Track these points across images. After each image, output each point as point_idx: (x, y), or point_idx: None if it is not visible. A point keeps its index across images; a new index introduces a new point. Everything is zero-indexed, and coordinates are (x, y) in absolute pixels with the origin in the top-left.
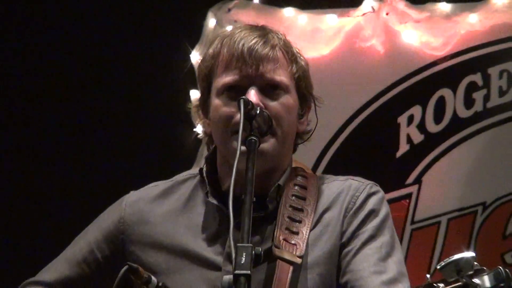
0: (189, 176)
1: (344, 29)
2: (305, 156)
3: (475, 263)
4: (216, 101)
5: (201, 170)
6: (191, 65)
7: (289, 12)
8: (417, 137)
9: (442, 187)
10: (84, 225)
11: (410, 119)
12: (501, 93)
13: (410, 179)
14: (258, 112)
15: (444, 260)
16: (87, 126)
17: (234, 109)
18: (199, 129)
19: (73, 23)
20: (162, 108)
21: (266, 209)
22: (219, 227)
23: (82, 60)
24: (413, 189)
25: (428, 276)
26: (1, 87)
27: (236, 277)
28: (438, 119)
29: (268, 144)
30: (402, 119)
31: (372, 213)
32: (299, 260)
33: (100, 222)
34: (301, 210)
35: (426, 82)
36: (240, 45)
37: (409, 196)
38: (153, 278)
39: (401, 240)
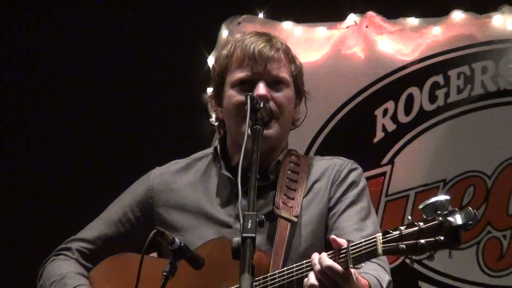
0: (204, 155)
1: (332, 39)
2: (301, 139)
3: (449, 205)
4: (230, 92)
5: (215, 148)
6: (208, 67)
7: (287, 25)
8: (391, 126)
9: (410, 166)
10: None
11: (385, 111)
12: (459, 91)
13: (385, 160)
14: (262, 106)
15: (424, 202)
16: (123, 115)
17: (244, 98)
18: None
19: (114, 30)
20: (184, 102)
21: (268, 180)
22: (230, 194)
23: (124, 60)
24: (387, 168)
25: (409, 217)
26: (35, 73)
27: (244, 239)
28: (407, 111)
29: (272, 130)
30: (379, 112)
31: (353, 184)
32: (295, 219)
33: (132, 190)
34: (295, 181)
35: (398, 82)
36: (252, 47)
37: (384, 174)
38: (176, 239)
39: (377, 210)
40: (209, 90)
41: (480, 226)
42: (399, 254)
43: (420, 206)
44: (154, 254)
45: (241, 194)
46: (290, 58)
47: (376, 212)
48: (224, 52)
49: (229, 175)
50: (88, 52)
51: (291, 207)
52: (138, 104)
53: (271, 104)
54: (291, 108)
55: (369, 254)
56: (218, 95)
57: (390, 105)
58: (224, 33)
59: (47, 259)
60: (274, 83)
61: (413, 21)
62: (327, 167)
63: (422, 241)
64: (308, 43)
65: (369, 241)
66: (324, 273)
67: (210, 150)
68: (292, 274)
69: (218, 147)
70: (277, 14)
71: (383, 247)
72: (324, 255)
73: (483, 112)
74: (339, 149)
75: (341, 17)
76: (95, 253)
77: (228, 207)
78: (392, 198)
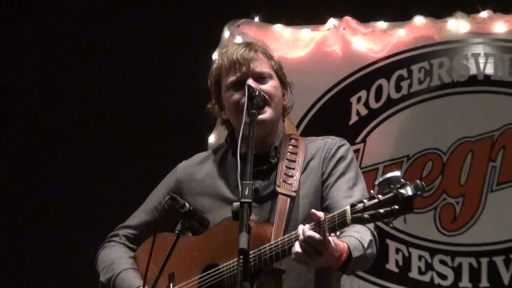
0: (220, 146)
1: (315, 39)
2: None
3: (402, 179)
4: (227, 94)
5: (226, 139)
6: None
7: (278, 27)
8: (363, 111)
9: (380, 144)
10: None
11: (359, 99)
12: (420, 82)
13: (359, 139)
14: (257, 93)
15: (379, 178)
16: (135, 109)
17: (240, 95)
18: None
19: (128, 31)
20: (192, 92)
21: (270, 163)
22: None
23: (140, 55)
24: (360, 146)
25: (372, 191)
26: (42, 71)
27: (242, 204)
28: (377, 99)
29: (266, 114)
30: (353, 99)
31: (342, 158)
32: (294, 194)
33: (163, 183)
34: (294, 161)
35: (369, 75)
36: (235, 54)
37: (357, 150)
38: (186, 204)
39: None
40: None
41: (437, 194)
42: (364, 222)
43: (376, 182)
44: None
45: (239, 169)
46: (268, 55)
47: None
48: (214, 66)
49: (238, 159)
50: (106, 53)
51: (290, 184)
52: (150, 98)
53: (261, 93)
54: (279, 95)
55: (341, 224)
56: (219, 101)
57: (363, 93)
58: (226, 33)
59: (101, 246)
60: (260, 78)
61: (382, 24)
62: (320, 146)
63: (381, 210)
64: (295, 42)
65: (340, 214)
66: (306, 242)
67: (224, 143)
68: (284, 244)
69: (229, 139)
70: (270, 18)
71: (351, 218)
72: (306, 227)
73: (440, 100)
74: (321, 129)
75: (323, 21)
76: (138, 237)
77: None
78: (364, 171)
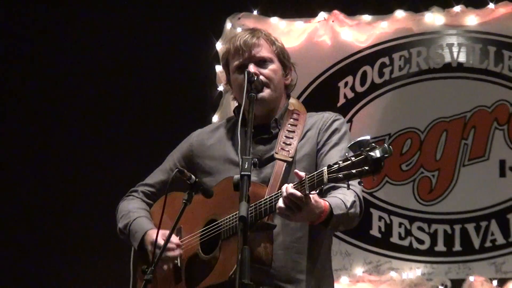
0: (232, 118)
1: (307, 30)
2: None
3: (372, 143)
4: (233, 76)
5: (234, 111)
6: (216, 51)
7: (274, 20)
8: (350, 94)
9: (364, 124)
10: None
11: (346, 84)
12: (400, 69)
13: (346, 119)
14: (255, 78)
15: (352, 141)
16: (148, 91)
17: (242, 77)
18: (221, 88)
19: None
20: (198, 76)
21: (271, 133)
22: (239, 142)
23: (148, 44)
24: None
25: (347, 154)
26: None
27: (242, 176)
28: (362, 84)
29: (265, 93)
30: (341, 84)
31: (336, 130)
32: (290, 159)
33: (179, 147)
34: (293, 131)
35: (355, 62)
36: (239, 41)
37: None
38: (192, 176)
39: None
40: (218, 67)
41: (415, 168)
42: (339, 181)
43: (348, 145)
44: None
45: (241, 145)
46: (270, 41)
47: None
48: (225, 49)
49: (243, 128)
50: (115, 43)
51: (288, 150)
52: (161, 79)
53: (262, 77)
54: (279, 77)
55: (319, 182)
56: (229, 80)
57: (349, 79)
58: (228, 25)
59: (122, 199)
60: (261, 63)
61: (366, 17)
62: (318, 119)
63: (354, 171)
64: (289, 33)
65: (319, 173)
66: (288, 198)
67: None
68: (272, 201)
69: (236, 111)
70: (267, 11)
71: (327, 177)
72: (289, 185)
73: (418, 85)
74: (312, 110)
75: (314, 14)
76: (155, 194)
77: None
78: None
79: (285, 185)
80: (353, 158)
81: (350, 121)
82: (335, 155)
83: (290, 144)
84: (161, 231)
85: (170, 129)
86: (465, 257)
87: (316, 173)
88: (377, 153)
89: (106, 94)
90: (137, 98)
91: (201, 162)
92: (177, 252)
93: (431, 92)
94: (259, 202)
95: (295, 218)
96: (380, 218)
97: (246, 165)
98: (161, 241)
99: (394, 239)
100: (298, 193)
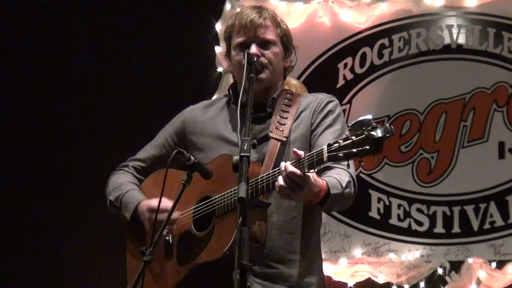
0: (224, 96)
1: (307, 11)
2: None
3: (373, 122)
4: (233, 52)
5: (228, 90)
6: (216, 31)
7: (274, 1)
8: (349, 76)
9: (364, 105)
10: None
11: (345, 65)
12: (399, 50)
13: (345, 101)
14: (255, 59)
15: (352, 120)
16: (149, 68)
17: (242, 57)
18: (220, 69)
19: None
20: (198, 57)
21: (266, 112)
22: (240, 122)
23: (149, 24)
24: (347, 107)
25: (347, 133)
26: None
27: (241, 157)
28: (362, 65)
29: (264, 74)
30: (341, 65)
31: (330, 112)
32: (284, 139)
33: (171, 123)
34: (287, 112)
35: (355, 43)
36: (245, 18)
37: (344, 111)
38: (192, 157)
39: None
40: (218, 48)
41: (414, 149)
42: (339, 160)
43: (349, 125)
44: None
45: (241, 125)
46: (276, 23)
47: None
48: (229, 23)
49: (238, 108)
50: (114, 26)
51: (282, 130)
52: (161, 60)
53: (262, 59)
54: (279, 60)
55: (319, 161)
56: (228, 54)
57: (349, 60)
58: (228, 6)
59: (112, 173)
60: (264, 44)
61: None
62: (312, 100)
63: (354, 150)
64: (289, 14)
65: (318, 152)
66: (288, 177)
67: (227, 93)
68: (269, 178)
69: (231, 89)
70: None
71: (327, 155)
72: (288, 163)
73: (417, 66)
74: (312, 91)
75: None
76: (146, 169)
77: (237, 132)
78: (350, 129)
79: (283, 163)
80: (353, 137)
81: (349, 102)
82: (329, 136)
83: (284, 124)
84: (152, 206)
85: (170, 110)
86: (464, 239)
87: (316, 152)
88: (378, 133)
89: (106, 77)
90: (137, 80)
91: (194, 138)
92: (170, 229)
93: (431, 73)
94: (255, 180)
95: (295, 197)
96: (379, 199)
97: (245, 146)
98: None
99: (393, 220)
100: (298, 172)
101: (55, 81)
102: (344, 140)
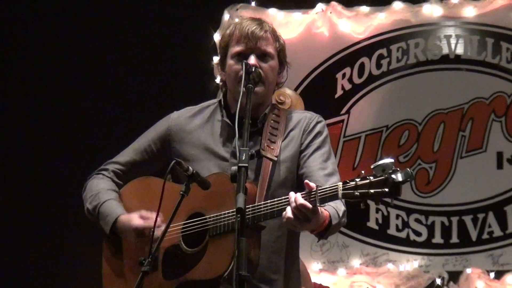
0: (210, 104)
1: (305, 21)
2: None
3: (393, 166)
4: (230, 61)
5: (220, 101)
6: (214, 41)
7: (272, 11)
8: (348, 86)
9: (362, 115)
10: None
11: (344, 75)
12: (398, 60)
13: (343, 111)
14: (253, 70)
15: (375, 163)
16: (148, 74)
17: (240, 67)
18: (218, 80)
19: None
20: (196, 67)
21: (257, 127)
22: (228, 136)
23: (148, 35)
24: (345, 117)
25: (363, 172)
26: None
27: (239, 167)
28: (360, 75)
29: (259, 88)
30: (339, 75)
31: (319, 133)
32: (275, 158)
33: (155, 127)
34: (276, 129)
35: (353, 53)
36: (247, 28)
37: (342, 121)
38: (190, 168)
39: (336, 148)
40: (216, 59)
41: (413, 160)
42: (354, 199)
43: (372, 166)
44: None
45: (239, 135)
46: (275, 37)
47: (336, 150)
48: (228, 31)
49: (228, 121)
50: (112, 34)
51: (273, 149)
52: (159, 69)
53: (259, 70)
54: (275, 75)
55: (332, 197)
56: (222, 63)
57: (347, 70)
58: (226, 16)
59: (89, 176)
60: (262, 56)
61: (364, 8)
62: (300, 119)
63: (372, 190)
64: (287, 24)
65: (333, 188)
66: (298, 209)
67: (214, 100)
68: (273, 206)
69: (222, 100)
70: (265, 3)
71: (342, 193)
72: (298, 195)
73: (416, 76)
74: (310, 101)
75: (312, 5)
76: (126, 174)
77: (226, 146)
78: (348, 139)
79: (292, 194)
80: (371, 178)
81: (347, 112)
82: (318, 158)
83: (274, 142)
84: (137, 215)
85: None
86: (462, 249)
87: (330, 187)
88: (399, 177)
89: (103, 86)
90: (134, 89)
91: (179, 147)
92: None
93: (429, 83)
94: (257, 206)
95: (301, 228)
96: (378, 210)
97: (243, 157)
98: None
99: (392, 231)
100: (309, 205)
101: (43, 96)
102: (362, 179)
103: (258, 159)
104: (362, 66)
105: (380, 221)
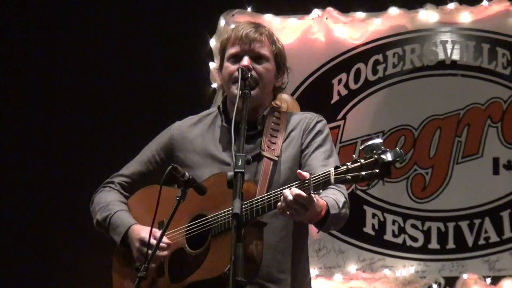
0: (211, 112)
1: (301, 27)
2: None
3: (382, 146)
4: (226, 64)
5: (218, 107)
6: (210, 47)
7: (268, 17)
8: (344, 92)
9: (358, 121)
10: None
11: (340, 81)
12: (394, 66)
13: (339, 116)
14: (250, 75)
15: (363, 144)
16: (145, 83)
17: (234, 68)
18: (215, 85)
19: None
20: (192, 73)
21: (256, 129)
22: (228, 140)
23: (144, 41)
24: (341, 122)
25: (354, 155)
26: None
27: (236, 173)
28: (356, 81)
29: (255, 91)
30: (335, 81)
31: (319, 132)
32: (276, 158)
33: (158, 138)
34: (277, 130)
35: (349, 59)
36: (241, 31)
37: (338, 127)
38: (186, 173)
39: None
40: (212, 64)
41: (409, 165)
42: (346, 183)
43: (361, 147)
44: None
45: (235, 141)
46: (272, 40)
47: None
48: (225, 36)
49: (228, 126)
50: (109, 39)
51: (273, 149)
52: (155, 75)
53: (253, 72)
54: (270, 77)
55: (325, 183)
56: (221, 66)
57: (343, 76)
58: (222, 22)
59: (97, 190)
60: (257, 58)
61: (360, 14)
62: (300, 119)
63: (363, 173)
64: (283, 30)
65: (325, 174)
66: (295, 199)
67: (214, 108)
68: (270, 199)
69: (221, 106)
70: (261, 9)
71: (334, 177)
72: (292, 186)
73: (412, 82)
74: (306, 107)
75: (308, 11)
76: (132, 185)
77: (227, 150)
78: (344, 144)
79: (287, 189)
80: (362, 160)
81: (343, 118)
82: (320, 156)
83: (275, 143)
84: (146, 228)
85: (164, 125)
86: (459, 254)
87: (322, 174)
88: (388, 156)
89: (99, 91)
90: (130, 95)
91: (182, 156)
92: (165, 252)
93: (425, 89)
94: (255, 200)
95: (299, 217)
96: (374, 215)
97: (240, 162)
98: (152, 240)
99: (388, 236)
100: (304, 194)
101: (40, 101)
102: (353, 162)
103: (259, 160)
104: (358, 72)
105: (376, 226)
